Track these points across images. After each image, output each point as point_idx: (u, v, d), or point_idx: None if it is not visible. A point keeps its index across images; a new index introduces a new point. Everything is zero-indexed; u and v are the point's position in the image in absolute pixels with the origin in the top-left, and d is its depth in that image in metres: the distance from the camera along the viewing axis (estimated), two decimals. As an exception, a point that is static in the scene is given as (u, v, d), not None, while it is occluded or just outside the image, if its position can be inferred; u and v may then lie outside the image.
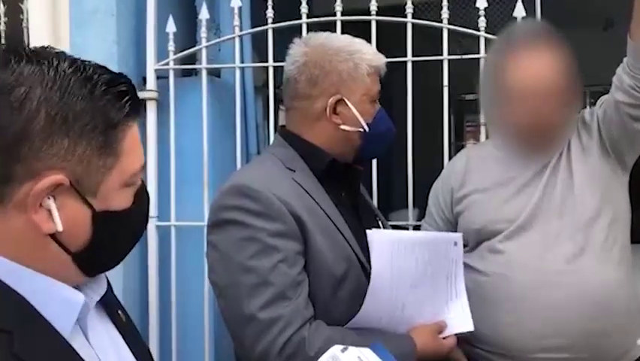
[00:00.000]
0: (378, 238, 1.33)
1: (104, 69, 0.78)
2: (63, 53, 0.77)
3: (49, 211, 0.74)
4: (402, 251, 1.34)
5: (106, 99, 0.75)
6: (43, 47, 0.77)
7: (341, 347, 1.02)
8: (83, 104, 0.73)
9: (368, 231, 1.32)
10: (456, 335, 1.45)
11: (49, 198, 0.73)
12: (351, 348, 1.01)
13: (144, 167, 0.83)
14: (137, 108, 0.80)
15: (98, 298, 0.85)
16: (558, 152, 1.61)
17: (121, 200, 0.80)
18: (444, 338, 1.43)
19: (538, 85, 1.51)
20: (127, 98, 0.78)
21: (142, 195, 0.85)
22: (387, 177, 2.59)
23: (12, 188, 0.72)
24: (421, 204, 1.93)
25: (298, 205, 1.31)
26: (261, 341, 1.25)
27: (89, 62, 0.78)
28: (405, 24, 2.13)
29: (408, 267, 1.35)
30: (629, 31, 1.47)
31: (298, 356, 1.24)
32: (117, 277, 2.11)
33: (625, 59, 1.50)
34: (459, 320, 1.45)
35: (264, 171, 1.40)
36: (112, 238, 0.81)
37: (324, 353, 1.03)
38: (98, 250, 0.79)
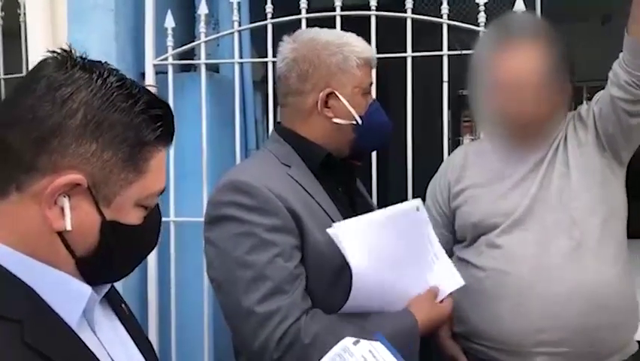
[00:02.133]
0: (342, 231, 1.29)
1: (148, 92, 0.83)
2: (116, 70, 0.82)
3: (62, 209, 0.77)
4: (372, 235, 1.31)
5: (142, 118, 0.80)
6: (99, 61, 0.82)
7: (353, 339, 1.02)
8: (119, 116, 0.78)
9: (328, 230, 1.28)
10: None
11: (64, 196, 0.77)
12: (363, 341, 1.02)
13: (162, 192, 0.87)
14: (170, 135, 0.85)
15: (103, 294, 0.88)
16: (547, 145, 1.61)
17: (132, 216, 0.83)
18: (440, 303, 1.43)
19: (519, 76, 1.52)
20: (162, 122, 0.82)
21: (154, 216, 0.88)
22: (384, 172, 2.58)
23: (33, 178, 0.76)
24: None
25: (294, 200, 1.31)
26: (260, 334, 1.25)
27: (138, 83, 0.83)
28: (405, 19, 2.13)
29: (382, 248, 1.32)
30: (627, 26, 1.47)
31: (295, 345, 1.24)
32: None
33: (621, 54, 1.50)
34: (448, 279, 1.45)
35: (258, 166, 1.41)
36: (117, 251, 0.82)
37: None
38: (102, 260, 0.82)
